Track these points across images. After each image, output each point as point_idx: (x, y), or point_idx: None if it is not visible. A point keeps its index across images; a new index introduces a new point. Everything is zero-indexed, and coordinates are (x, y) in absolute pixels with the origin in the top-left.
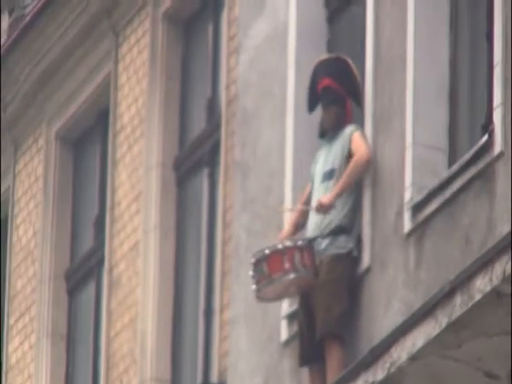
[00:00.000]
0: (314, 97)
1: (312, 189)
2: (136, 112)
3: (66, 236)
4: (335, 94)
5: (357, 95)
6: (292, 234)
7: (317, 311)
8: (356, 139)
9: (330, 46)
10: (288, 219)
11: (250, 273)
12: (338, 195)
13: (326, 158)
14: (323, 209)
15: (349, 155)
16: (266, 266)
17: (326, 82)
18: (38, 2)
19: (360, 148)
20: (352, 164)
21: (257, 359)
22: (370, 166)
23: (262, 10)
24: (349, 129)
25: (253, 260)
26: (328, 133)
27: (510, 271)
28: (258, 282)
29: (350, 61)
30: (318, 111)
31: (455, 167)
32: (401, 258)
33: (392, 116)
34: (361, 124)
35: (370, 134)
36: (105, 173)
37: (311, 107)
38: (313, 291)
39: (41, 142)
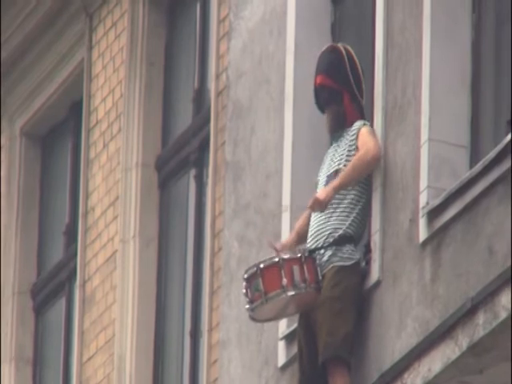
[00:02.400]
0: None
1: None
2: (113, 105)
3: (33, 246)
4: (329, 91)
5: (351, 87)
6: (295, 243)
7: (319, 331)
8: (363, 135)
9: (335, 29)
10: (291, 226)
11: (243, 290)
12: (336, 190)
13: (332, 159)
14: (319, 205)
15: (355, 153)
16: (261, 282)
17: (317, 80)
18: None
19: (367, 143)
20: (355, 159)
21: None
22: (377, 162)
23: None
24: (356, 125)
25: (245, 276)
26: (334, 133)
27: None
28: (251, 301)
29: (342, 48)
30: None
31: (477, 167)
32: (415, 270)
33: (405, 109)
34: (370, 118)
35: (380, 129)
36: (77, 174)
37: (322, 109)
38: (314, 309)
39: (3, 139)
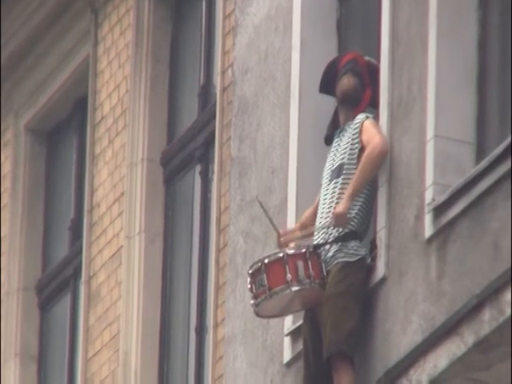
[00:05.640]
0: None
1: (320, 190)
2: (118, 101)
3: (38, 242)
4: (360, 70)
5: (374, 90)
6: (298, 231)
7: (323, 328)
8: (367, 129)
9: (340, 26)
10: (296, 222)
11: (248, 286)
12: (352, 197)
13: (335, 154)
14: (341, 219)
15: (360, 148)
16: (266, 277)
17: (349, 55)
18: None
19: (372, 138)
20: (364, 159)
21: (256, 382)
22: (385, 156)
23: None
24: (358, 118)
25: (250, 271)
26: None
27: None
28: (256, 297)
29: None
30: (325, 103)
31: (483, 164)
32: (421, 266)
33: (411, 105)
34: (375, 115)
35: (385, 125)
36: (82, 170)
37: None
38: (319, 305)
39: (8, 135)
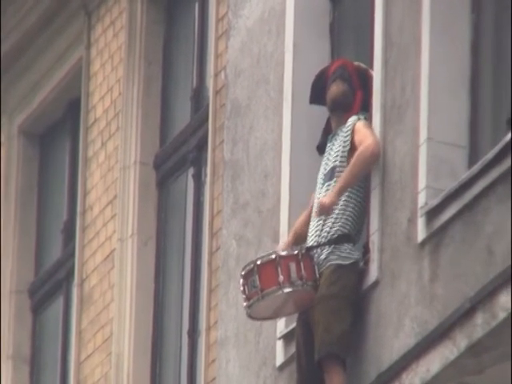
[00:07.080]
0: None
1: (314, 195)
2: (111, 103)
3: (31, 245)
4: (349, 76)
5: (365, 94)
6: (293, 244)
7: (316, 330)
8: (359, 129)
9: (333, 28)
10: (289, 225)
11: (240, 288)
12: (340, 192)
13: (328, 158)
14: (325, 210)
15: (350, 149)
16: (258, 278)
17: (338, 62)
18: None
19: (365, 139)
20: (355, 157)
21: None
22: (377, 158)
23: None
24: (350, 120)
25: (242, 272)
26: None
27: None
28: (248, 298)
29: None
30: (318, 106)
31: (476, 167)
32: (414, 270)
33: (404, 108)
34: (368, 117)
35: (378, 128)
36: (75, 173)
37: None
38: (311, 307)
39: (1, 137)
